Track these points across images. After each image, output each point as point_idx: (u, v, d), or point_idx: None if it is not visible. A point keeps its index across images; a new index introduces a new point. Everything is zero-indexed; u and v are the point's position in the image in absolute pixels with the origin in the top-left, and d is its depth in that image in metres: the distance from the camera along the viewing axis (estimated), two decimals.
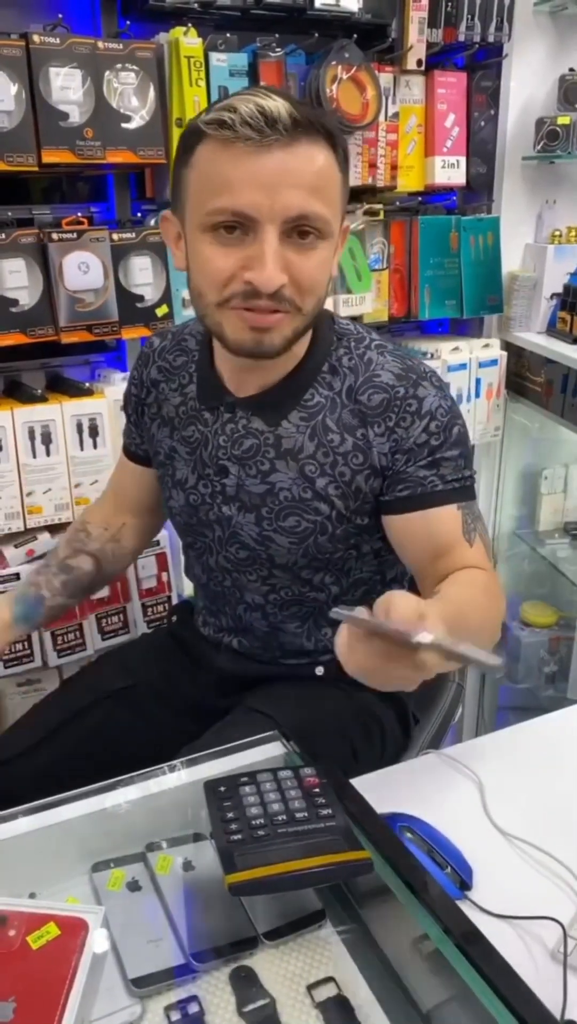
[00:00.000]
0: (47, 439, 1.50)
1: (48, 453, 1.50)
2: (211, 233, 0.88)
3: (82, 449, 1.53)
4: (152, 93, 1.44)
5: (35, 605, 1.22)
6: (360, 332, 1.04)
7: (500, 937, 0.68)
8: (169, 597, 1.69)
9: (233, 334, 0.92)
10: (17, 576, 1.51)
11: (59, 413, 1.50)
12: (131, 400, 1.19)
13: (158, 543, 1.64)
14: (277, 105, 0.83)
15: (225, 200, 0.86)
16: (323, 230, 0.89)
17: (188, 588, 1.67)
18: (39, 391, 1.54)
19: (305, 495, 1.01)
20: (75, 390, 1.55)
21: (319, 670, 1.13)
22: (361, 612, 0.67)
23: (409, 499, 0.99)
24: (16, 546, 1.54)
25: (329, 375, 1.01)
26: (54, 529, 1.57)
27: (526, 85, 1.89)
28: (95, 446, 1.54)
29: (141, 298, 1.53)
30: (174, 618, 1.33)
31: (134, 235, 1.50)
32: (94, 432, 1.54)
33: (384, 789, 0.91)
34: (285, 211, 0.85)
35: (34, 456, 1.49)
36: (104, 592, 1.58)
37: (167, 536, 1.64)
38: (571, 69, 1.88)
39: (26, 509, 1.51)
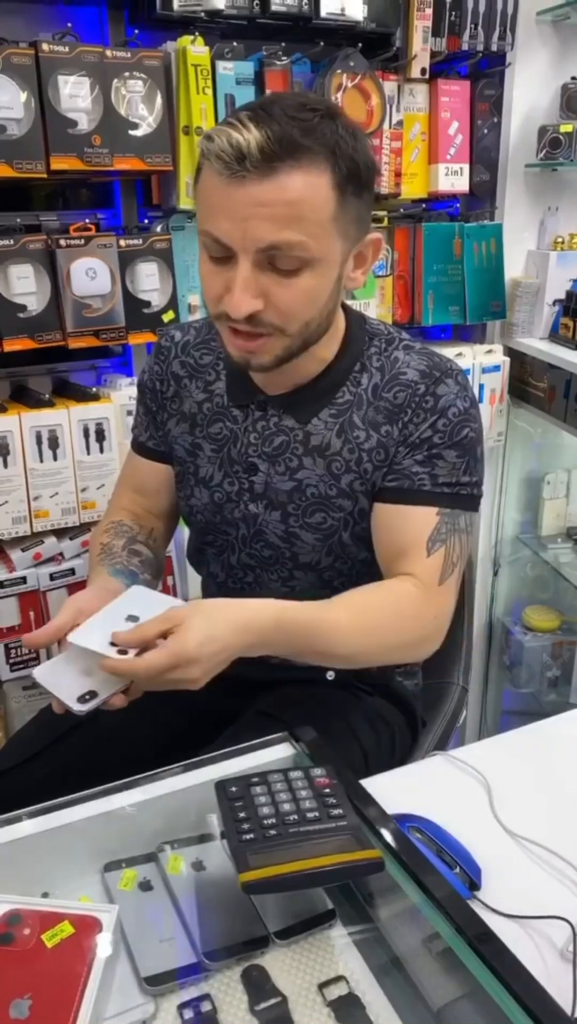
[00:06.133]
0: (54, 444, 1.51)
1: (55, 457, 1.51)
2: (207, 251, 0.91)
3: (88, 453, 1.54)
4: (159, 101, 1.46)
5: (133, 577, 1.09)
6: (391, 332, 1.06)
7: (509, 937, 0.68)
8: None
9: (227, 346, 0.96)
10: (23, 580, 1.52)
11: (66, 418, 1.51)
12: (156, 395, 1.15)
13: None
14: (249, 138, 0.82)
15: (208, 225, 0.88)
16: (305, 258, 0.88)
17: (193, 592, 1.68)
18: (46, 396, 1.55)
19: (331, 492, 1.03)
20: (82, 395, 1.56)
21: (330, 674, 1.13)
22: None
23: (394, 491, 1.00)
24: (23, 550, 1.54)
25: (359, 373, 1.03)
26: (60, 533, 1.58)
27: (529, 93, 1.90)
28: (101, 451, 1.55)
29: (148, 304, 1.54)
30: None
31: (141, 241, 1.51)
32: (100, 437, 1.55)
33: (392, 790, 0.91)
34: (255, 243, 0.86)
35: (41, 460, 1.50)
36: None
37: (172, 540, 1.65)
38: (573, 77, 1.89)
39: (33, 513, 1.52)
